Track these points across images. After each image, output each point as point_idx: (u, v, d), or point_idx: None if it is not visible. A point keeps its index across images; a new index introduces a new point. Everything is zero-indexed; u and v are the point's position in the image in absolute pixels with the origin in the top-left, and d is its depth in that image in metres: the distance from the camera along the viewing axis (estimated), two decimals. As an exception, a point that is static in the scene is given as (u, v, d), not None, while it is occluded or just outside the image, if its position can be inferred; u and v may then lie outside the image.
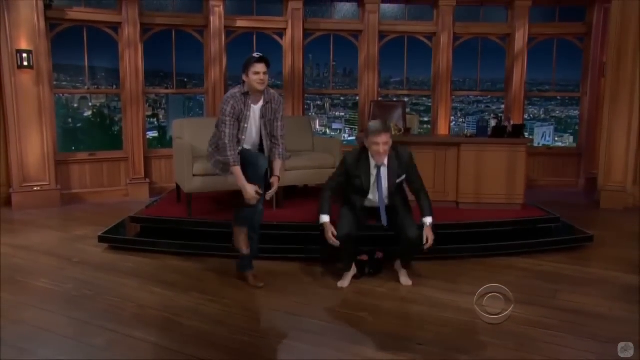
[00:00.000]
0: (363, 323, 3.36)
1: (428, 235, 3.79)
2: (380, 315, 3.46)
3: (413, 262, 4.13)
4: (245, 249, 3.82)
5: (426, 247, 3.80)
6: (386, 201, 3.88)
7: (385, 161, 3.80)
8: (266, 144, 3.83)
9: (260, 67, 3.62)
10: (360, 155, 3.86)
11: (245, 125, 3.67)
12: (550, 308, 3.55)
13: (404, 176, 3.87)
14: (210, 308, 3.53)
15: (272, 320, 3.42)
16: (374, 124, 3.79)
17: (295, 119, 6.65)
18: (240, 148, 3.71)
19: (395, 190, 3.89)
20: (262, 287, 3.88)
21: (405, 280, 4.01)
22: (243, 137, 3.71)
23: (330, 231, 3.76)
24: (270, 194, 3.86)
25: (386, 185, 3.84)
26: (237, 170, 3.63)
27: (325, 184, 4.05)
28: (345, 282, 3.98)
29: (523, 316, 3.39)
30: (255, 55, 3.66)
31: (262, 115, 3.77)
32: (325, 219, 3.82)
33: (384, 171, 3.83)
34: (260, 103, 3.75)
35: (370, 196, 3.90)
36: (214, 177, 4.92)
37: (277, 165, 3.89)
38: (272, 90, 3.85)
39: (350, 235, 3.82)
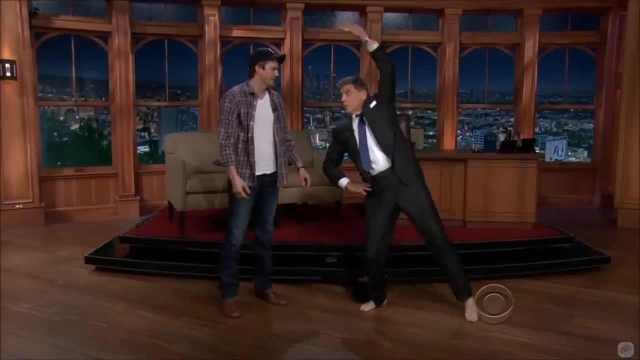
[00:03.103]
0: (365, 350, 3.35)
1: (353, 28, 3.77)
2: (384, 342, 3.45)
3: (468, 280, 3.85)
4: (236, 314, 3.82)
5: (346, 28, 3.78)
6: (378, 150, 3.70)
7: (360, 111, 3.78)
8: (277, 139, 3.82)
9: (276, 64, 3.74)
10: (345, 124, 3.89)
11: (252, 123, 3.70)
12: (564, 334, 3.53)
13: (374, 102, 3.76)
14: (203, 334, 3.51)
15: (269, 347, 3.40)
16: None
17: (294, 133, 6.66)
18: (252, 147, 3.71)
19: (387, 136, 3.69)
20: (283, 305, 3.97)
21: (470, 314, 3.71)
22: (249, 135, 3.69)
23: (359, 185, 3.76)
24: (309, 181, 4.00)
25: (371, 129, 3.71)
26: (232, 168, 3.67)
27: (325, 161, 4.01)
28: (368, 306, 3.96)
29: (536, 343, 3.37)
30: (274, 52, 3.81)
31: (274, 109, 3.83)
32: (343, 182, 3.85)
33: (364, 118, 3.76)
34: (267, 97, 3.82)
35: (370, 161, 3.72)
36: (208, 194, 4.99)
37: (299, 162, 4.02)
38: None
39: (380, 256, 3.79)
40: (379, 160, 3.71)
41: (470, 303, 3.72)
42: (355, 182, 3.83)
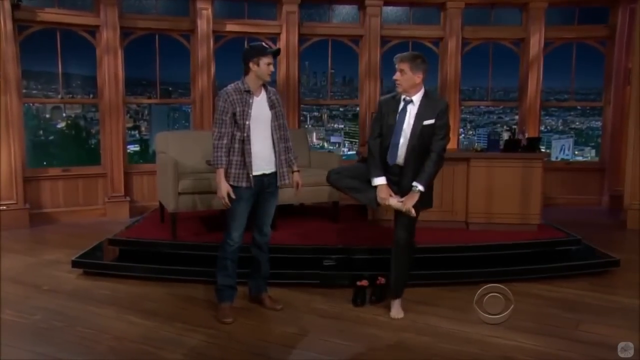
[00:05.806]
0: (363, 356, 3.35)
1: (405, 202, 3.63)
2: (382, 347, 3.46)
3: (405, 286, 4.00)
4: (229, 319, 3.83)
5: (402, 208, 3.64)
6: (403, 143, 3.67)
7: (415, 98, 3.66)
8: (275, 137, 3.85)
9: (271, 59, 3.76)
10: (394, 95, 3.78)
11: (247, 122, 3.72)
12: (570, 340, 3.55)
13: (432, 121, 3.63)
14: (194, 339, 3.52)
15: (263, 353, 3.41)
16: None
17: (290, 131, 6.65)
18: (248, 147, 3.74)
19: (419, 143, 3.64)
20: (279, 310, 3.99)
21: (395, 311, 3.92)
22: (245, 134, 3.72)
23: (394, 199, 3.67)
24: (300, 188, 4.10)
25: (411, 122, 3.65)
26: (220, 171, 3.72)
27: (368, 141, 3.85)
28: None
29: (540, 349, 3.39)
30: (268, 46, 3.81)
31: (272, 106, 3.84)
32: (379, 181, 3.71)
33: (411, 108, 3.67)
34: (264, 94, 3.84)
35: (397, 154, 3.71)
36: (201, 195, 5.00)
37: (295, 166, 4.06)
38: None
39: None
40: (399, 156, 3.70)
41: (397, 303, 3.93)
42: (390, 192, 3.70)
